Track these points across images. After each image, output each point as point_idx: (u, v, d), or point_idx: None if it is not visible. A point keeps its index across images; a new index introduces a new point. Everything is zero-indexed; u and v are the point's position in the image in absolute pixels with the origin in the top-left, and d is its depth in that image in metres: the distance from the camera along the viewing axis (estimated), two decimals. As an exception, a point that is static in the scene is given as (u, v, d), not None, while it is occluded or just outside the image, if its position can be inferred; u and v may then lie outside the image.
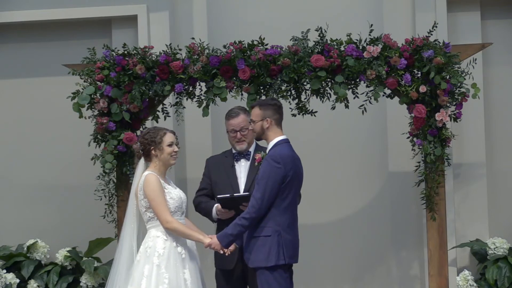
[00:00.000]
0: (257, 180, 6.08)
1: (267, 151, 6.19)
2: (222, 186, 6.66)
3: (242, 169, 6.74)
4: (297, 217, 6.23)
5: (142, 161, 6.28)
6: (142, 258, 6.12)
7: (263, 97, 6.94)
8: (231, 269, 6.66)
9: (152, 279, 6.04)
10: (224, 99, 6.98)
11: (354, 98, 6.97)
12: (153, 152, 6.22)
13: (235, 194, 6.50)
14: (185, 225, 6.22)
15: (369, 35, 6.90)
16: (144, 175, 6.19)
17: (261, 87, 6.98)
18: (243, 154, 6.75)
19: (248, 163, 6.73)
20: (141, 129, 7.17)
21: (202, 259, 6.47)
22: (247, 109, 6.77)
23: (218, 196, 6.51)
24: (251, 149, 6.76)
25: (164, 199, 6.13)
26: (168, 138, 6.24)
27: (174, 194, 6.22)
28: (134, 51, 7.09)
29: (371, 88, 6.92)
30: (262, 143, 6.75)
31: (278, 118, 6.17)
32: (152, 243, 6.14)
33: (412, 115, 6.90)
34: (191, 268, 6.16)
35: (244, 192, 6.61)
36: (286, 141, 6.18)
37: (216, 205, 6.62)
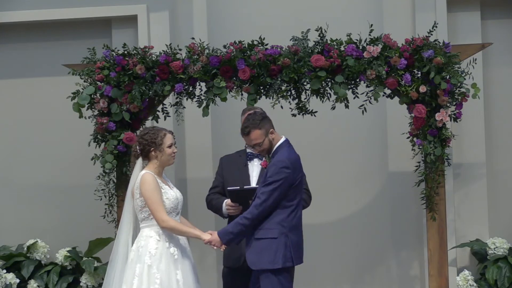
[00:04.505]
0: (264, 182, 6.06)
1: (271, 154, 6.18)
2: (234, 185, 6.66)
3: (254, 168, 6.76)
4: (302, 218, 6.23)
5: (139, 161, 6.28)
6: (134, 257, 6.13)
7: (263, 97, 6.94)
8: (238, 267, 6.66)
9: (143, 279, 6.04)
10: (224, 99, 6.98)
11: (354, 98, 6.97)
12: (153, 153, 6.22)
13: (245, 187, 6.51)
14: (181, 223, 6.22)
15: (369, 35, 6.90)
16: (141, 174, 6.19)
17: (261, 87, 6.97)
18: (256, 154, 6.75)
19: (261, 162, 6.75)
20: (141, 129, 7.17)
21: (202, 259, 6.48)
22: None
23: (229, 188, 6.52)
24: None
25: (160, 199, 6.13)
26: (168, 139, 6.25)
27: (170, 195, 6.21)
28: (134, 51, 7.09)
29: (371, 88, 6.92)
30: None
31: (272, 124, 6.20)
32: (144, 243, 6.14)
33: (412, 115, 6.89)
34: (184, 269, 6.15)
35: None
36: (288, 143, 6.19)
37: (226, 200, 6.63)
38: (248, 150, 6.81)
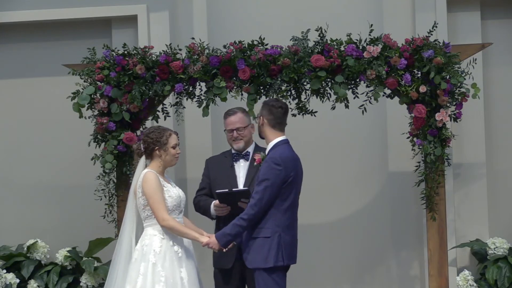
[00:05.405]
0: (257, 181, 6.09)
1: (267, 152, 6.21)
2: (222, 186, 6.68)
3: (241, 169, 6.77)
4: (297, 218, 6.24)
5: (142, 159, 6.29)
6: (138, 256, 6.13)
7: (263, 97, 6.96)
8: (229, 268, 6.67)
9: (148, 277, 6.05)
10: (224, 99, 6.97)
11: (354, 98, 6.97)
12: (157, 152, 6.24)
13: (233, 189, 6.52)
14: (182, 224, 6.23)
15: (369, 35, 6.90)
16: (143, 173, 6.21)
17: (261, 87, 6.97)
18: (242, 154, 6.78)
19: (247, 163, 6.76)
20: (141, 129, 7.17)
21: (201, 260, 6.49)
22: (246, 110, 6.82)
23: (217, 191, 6.54)
24: (250, 149, 6.79)
25: (162, 197, 6.14)
26: (173, 140, 6.27)
27: (173, 193, 6.23)
28: (134, 51, 7.08)
29: (371, 88, 6.91)
30: (261, 143, 6.78)
31: (272, 119, 6.18)
32: (148, 241, 6.15)
33: (412, 115, 6.89)
34: (188, 267, 6.16)
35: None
36: (285, 142, 6.19)
37: (214, 201, 6.64)
38: (233, 151, 6.83)
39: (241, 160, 6.79)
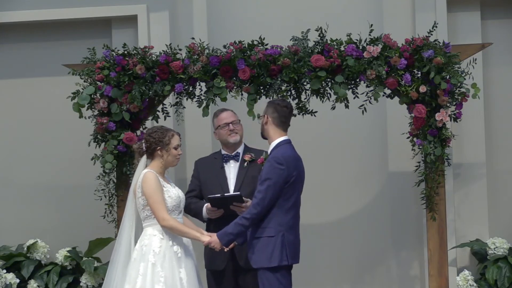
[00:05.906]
0: (260, 180, 6.11)
1: (269, 151, 6.22)
2: (212, 187, 6.70)
3: (231, 170, 6.79)
4: (300, 218, 6.24)
5: (143, 159, 6.30)
6: (138, 256, 6.14)
7: (263, 97, 6.97)
8: (221, 270, 6.67)
9: (147, 277, 6.05)
10: (224, 99, 6.98)
11: (354, 98, 6.97)
12: (158, 152, 6.24)
13: (225, 194, 6.53)
14: (182, 224, 6.23)
15: (369, 35, 6.90)
16: (143, 173, 6.21)
17: (261, 87, 6.97)
18: (232, 155, 6.79)
19: (237, 164, 6.79)
20: (141, 129, 7.17)
21: (198, 260, 6.48)
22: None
23: (209, 196, 6.54)
24: (240, 150, 6.82)
25: (162, 197, 6.14)
26: (175, 140, 6.28)
27: (173, 193, 6.23)
28: (134, 51, 7.08)
29: (371, 88, 6.92)
30: (252, 144, 6.80)
31: (277, 117, 6.20)
32: (148, 241, 6.15)
33: (412, 115, 6.89)
34: (187, 267, 6.16)
35: (234, 192, 6.63)
36: (287, 142, 6.21)
37: (206, 204, 6.64)
38: (223, 152, 6.83)
39: (231, 161, 6.81)
